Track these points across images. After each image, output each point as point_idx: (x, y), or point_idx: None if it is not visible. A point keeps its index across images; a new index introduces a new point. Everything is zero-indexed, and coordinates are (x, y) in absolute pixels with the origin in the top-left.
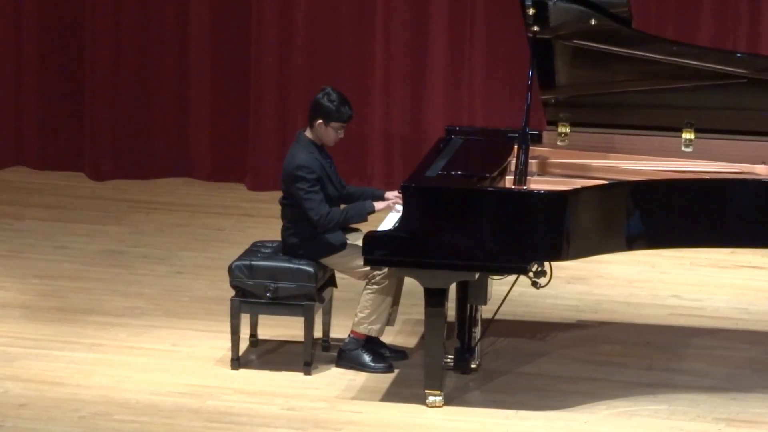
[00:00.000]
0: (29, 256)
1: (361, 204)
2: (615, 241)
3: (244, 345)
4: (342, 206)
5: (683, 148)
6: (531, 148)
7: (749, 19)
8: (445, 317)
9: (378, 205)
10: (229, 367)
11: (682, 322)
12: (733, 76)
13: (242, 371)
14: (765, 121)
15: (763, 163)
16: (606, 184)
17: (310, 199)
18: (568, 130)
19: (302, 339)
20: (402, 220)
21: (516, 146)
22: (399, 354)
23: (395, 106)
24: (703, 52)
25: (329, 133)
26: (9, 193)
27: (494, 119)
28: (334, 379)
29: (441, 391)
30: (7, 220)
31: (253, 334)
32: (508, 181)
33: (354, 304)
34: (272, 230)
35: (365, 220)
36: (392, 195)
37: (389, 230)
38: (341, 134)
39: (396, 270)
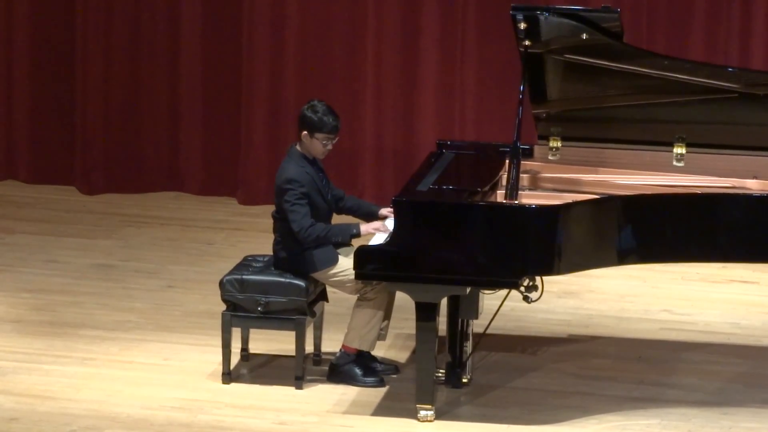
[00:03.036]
0: (20, 270)
1: (347, 225)
2: (606, 255)
3: (235, 359)
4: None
5: (674, 163)
6: (522, 162)
7: (740, 33)
8: (437, 332)
9: (364, 228)
10: (221, 381)
11: (674, 336)
12: (725, 91)
13: (233, 385)
14: (756, 136)
15: (755, 177)
16: (597, 199)
17: (294, 211)
18: (559, 144)
19: (293, 353)
20: (393, 235)
21: (507, 160)
22: (390, 368)
23: (386, 120)
24: (695, 66)
25: (315, 144)
26: (0, 207)
27: (485, 133)
28: (325, 393)
29: (432, 405)
30: None
31: (245, 348)
32: (500, 196)
33: (345, 319)
34: (263, 244)
35: (348, 241)
36: (386, 211)
37: (380, 245)
38: (329, 146)
39: (387, 284)
